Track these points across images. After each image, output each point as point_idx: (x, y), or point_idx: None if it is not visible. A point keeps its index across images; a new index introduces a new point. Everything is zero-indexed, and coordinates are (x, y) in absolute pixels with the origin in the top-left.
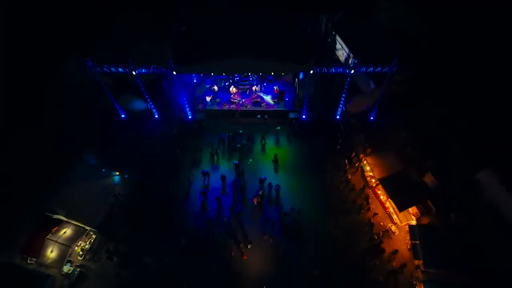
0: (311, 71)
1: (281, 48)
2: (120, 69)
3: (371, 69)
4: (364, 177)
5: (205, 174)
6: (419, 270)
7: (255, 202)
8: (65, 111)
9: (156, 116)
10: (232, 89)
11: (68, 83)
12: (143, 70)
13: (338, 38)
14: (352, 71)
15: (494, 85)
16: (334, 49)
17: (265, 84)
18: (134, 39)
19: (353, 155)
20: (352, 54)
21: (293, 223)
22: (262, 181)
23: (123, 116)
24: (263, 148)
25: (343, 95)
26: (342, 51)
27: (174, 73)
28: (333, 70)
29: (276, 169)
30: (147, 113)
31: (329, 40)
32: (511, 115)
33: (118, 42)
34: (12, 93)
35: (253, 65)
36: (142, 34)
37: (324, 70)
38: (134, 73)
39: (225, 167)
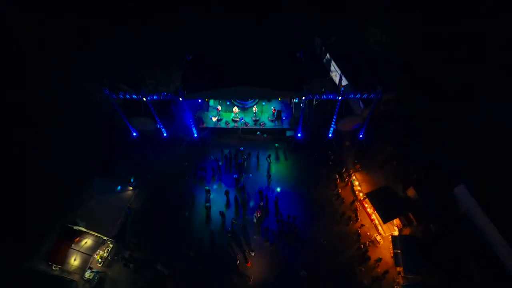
0: (304, 97)
1: (277, 76)
2: (134, 96)
3: (358, 95)
4: (353, 191)
5: (208, 191)
6: (400, 275)
7: (257, 215)
8: (85, 130)
9: (165, 135)
10: (235, 109)
11: (87, 105)
12: (155, 97)
13: (332, 60)
14: (341, 98)
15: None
16: (328, 70)
17: (263, 103)
18: (147, 68)
19: (343, 170)
20: (344, 75)
21: (289, 229)
22: (261, 192)
23: (134, 134)
24: (264, 164)
25: (335, 116)
26: (335, 73)
27: (181, 99)
28: (324, 97)
29: (274, 181)
30: (156, 132)
31: (324, 61)
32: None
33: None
34: (38, 115)
35: (253, 92)
36: (154, 63)
37: (316, 96)
38: (145, 99)
39: (228, 182)
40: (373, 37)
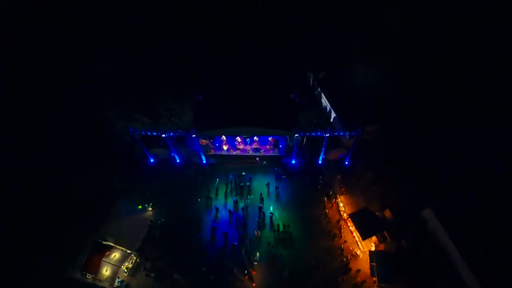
0: (297, 135)
1: (274, 117)
2: (154, 133)
3: (341, 133)
4: (338, 211)
5: (217, 209)
6: (375, 284)
7: (258, 235)
8: (110, 159)
9: (178, 161)
10: (238, 138)
11: (112, 138)
12: (171, 134)
13: (322, 93)
14: (328, 135)
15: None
16: (319, 101)
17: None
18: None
19: (330, 193)
20: (332, 108)
21: (284, 236)
22: (260, 208)
23: (152, 160)
24: (261, 187)
25: (323, 147)
26: (325, 104)
27: (194, 136)
28: (313, 134)
29: (271, 201)
30: (170, 159)
31: (316, 93)
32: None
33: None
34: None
35: (254, 131)
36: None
37: (307, 134)
38: (164, 135)
39: (231, 204)
40: (359, 72)
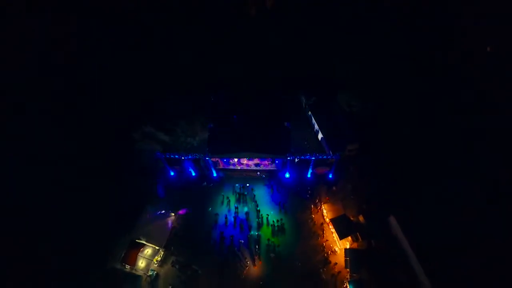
0: (289, 158)
1: (270, 143)
2: (176, 156)
3: (325, 156)
4: (322, 216)
5: (225, 217)
6: (348, 274)
7: (257, 237)
8: (138, 174)
9: (193, 174)
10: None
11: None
12: (189, 156)
13: (312, 116)
14: (314, 158)
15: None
16: (310, 122)
17: None
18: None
19: (317, 201)
20: (320, 130)
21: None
22: (258, 211)
23: (172, 174)
24: (261, 195)
25: (311, 165)
26: (315, 124)
27: (207, 158)
28: (303, 157)
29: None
30: (187, 173)
31: (307, 115)
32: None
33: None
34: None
35: (254, 155)
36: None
37: (297, 157)
38: (183, 158)
39: (237, 209)
40: (345, 100)
